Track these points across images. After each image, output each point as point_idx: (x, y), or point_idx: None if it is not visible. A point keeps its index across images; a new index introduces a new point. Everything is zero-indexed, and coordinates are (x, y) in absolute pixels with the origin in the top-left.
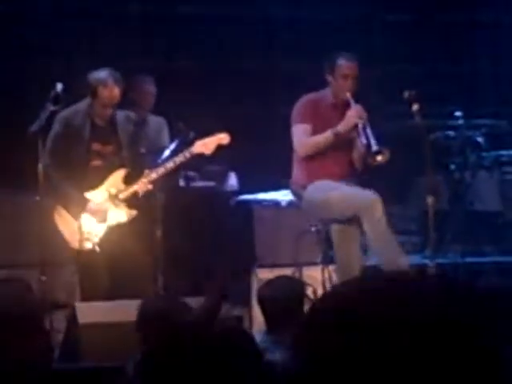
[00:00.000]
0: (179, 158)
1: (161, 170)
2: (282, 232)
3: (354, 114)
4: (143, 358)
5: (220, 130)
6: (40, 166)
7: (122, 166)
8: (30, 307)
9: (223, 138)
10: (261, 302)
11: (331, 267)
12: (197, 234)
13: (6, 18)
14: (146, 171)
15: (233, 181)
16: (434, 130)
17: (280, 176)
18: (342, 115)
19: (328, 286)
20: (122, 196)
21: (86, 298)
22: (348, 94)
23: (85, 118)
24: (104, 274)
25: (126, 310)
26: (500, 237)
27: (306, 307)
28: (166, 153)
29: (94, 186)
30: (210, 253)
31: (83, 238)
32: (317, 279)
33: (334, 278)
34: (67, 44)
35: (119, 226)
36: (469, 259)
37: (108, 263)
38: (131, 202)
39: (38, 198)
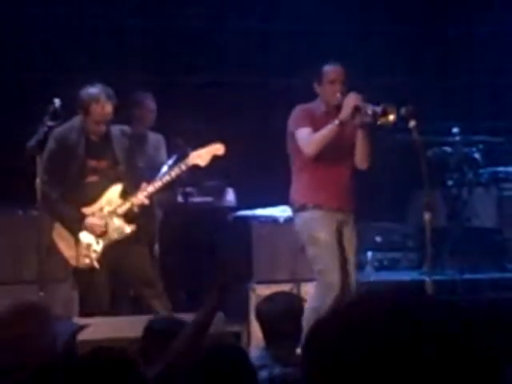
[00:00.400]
0: (175, 171)
1: (157, 184)
2: (279, 248)
3: (351, 98)
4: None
5: (214, 141)
6: (38, 181)
7: (118, 180)
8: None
9: (218, 148)
10: (259, 317)
11: None
12: (194, 250)
13: (5, 33)
14: (143, 185)
15: (230, 196)
16: (431, 146)
17: (278, 192)
18: None
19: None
20: (119, 211)
21: (85, 314)
22: (339, 95)
23: (79, 135)
24: (103, 290)
25: (125, 327)
26: (497, 253)
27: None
28: (164, 169)
29: (90, 201)
30: (207, 268)
31: (82, 254)
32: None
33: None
34: (67, 58)
35: (118, 242)
36: (466, 276)
37: (107, 279)
38: (129, 216)
39: (35, 213)
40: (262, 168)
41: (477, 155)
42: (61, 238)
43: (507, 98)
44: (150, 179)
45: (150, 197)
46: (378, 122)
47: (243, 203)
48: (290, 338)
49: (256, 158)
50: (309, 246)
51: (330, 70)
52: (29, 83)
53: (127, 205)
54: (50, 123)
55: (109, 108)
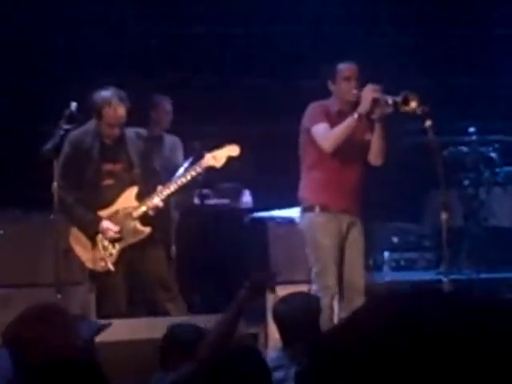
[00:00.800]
0: (190, 173)
1: (173, 186)
2: (296, 249)
3: (369, 90)
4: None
5: (229, 143)
6: (54, 185)
7: (133, 183)
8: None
9: (233, 149)
10: (276, 318)
11: None
12: (211, 252)
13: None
14: (159, 188)
15: (247, 198)
16: (447, 145)
17: (294, 193)
18: None
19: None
20: (135, 214)
21: (102, 316)
22: (355, 91)
23: (94, 139)
24: (120, 292)
25: (142, 328)
26: None
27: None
28: (180, 171)
29: (106, 204)
30: (224, 270)
31: (98, 257)
32: None
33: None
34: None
35: (134, 245)
36: (483, 275)
37: (123, 282)
38: (145, 219)
39: (52, 216)
40: (278, 169)
41: (493, 154)
42: (77, 242)
43: None
44: (165, 181)
45: (166, 199)
46: (401, 111)
47: (259, 205)
48: (307, 338)
49: (272, 160)
50: (310, 248)
51: (345, 67)
52: (42, 89)
53: (143, 208)
54: (66, 126)
55: (121, 111)
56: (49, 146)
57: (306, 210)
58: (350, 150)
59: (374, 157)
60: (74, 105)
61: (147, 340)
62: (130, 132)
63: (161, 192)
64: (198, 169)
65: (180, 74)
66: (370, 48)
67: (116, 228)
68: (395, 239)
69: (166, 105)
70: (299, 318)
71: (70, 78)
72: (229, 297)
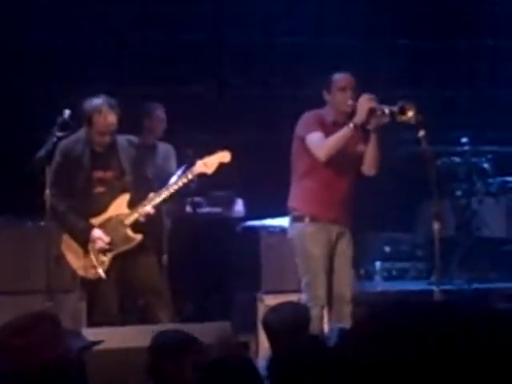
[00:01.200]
0: (182, 180)
1: (165, 193)
2: (288, 258)
3: (365, 100)
4: None
5: (220, 149)
6: (47, 192)
7: (125, 191)
8: None
9: (224, 156)
10: (266, 327)
11: None
12: (203, 260)
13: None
14: (151, 195)
15: (239, 207)
16: (440, 156)
17: (287, 202)
18: None
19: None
20: (126, 221)
21: (93, 324)
22: (350, 102)
23: (84, 146)
24: (111, 300)
25: (133, 336)
26: (506, 263)
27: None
28: (173, 179)
29: (98, 212)
30: (216, 279)
31: (89, 265)
32: None
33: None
34: (70, 70)
35: (125, 252)
36: (475, 285)
37: (115, 289)
38: (137, 226)
39: (43, 223)
40: (271, 178)
41: (486, 165)
42: (69, 249)
43: None
44: (158, 189)
45: (158, 207)
46: (398, 121)
47: (252, 213)
48: (297, 347)
49: (265, 169)
50: (300, 258)
51: (341, 77)
52: (36, 95)
53: (134, 215)
54: (59, 134)
55: (112, 118)
56: (41, 153)
57: (296, 219)
58: (343, 161)
59: (368, 167)
60: (67, 112)
61: (138, 348)
62: (122, 139)
63: (152, 199)
64: (190, 175)
65: (174, 82)
66: (365, 58)
67: (107, 239)
68: (387, 249)
69: (160, 113)
70: (289, 328)
71: (63, 85)
72: (220, 305)
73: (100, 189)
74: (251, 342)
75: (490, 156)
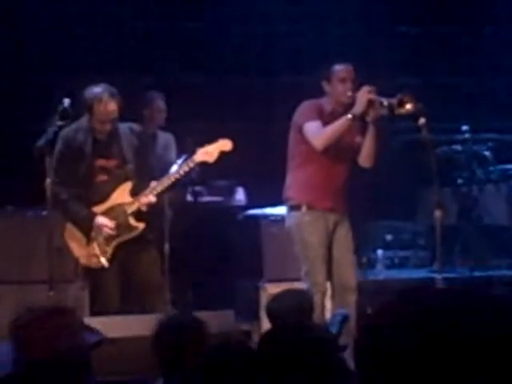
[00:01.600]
0: (183, 169)
1: (167, 182)
2: (289, 246)
3: (364, 92)
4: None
5: (223, 135)
6: (48, 181)
7: (127, 179)
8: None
9: (225, 144)
10: (269, 316)
11: None
12: (204, 249)
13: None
14: (153, 183)
15: (240, 196)
16: (441, 144)
17: (283, 191)
18: None
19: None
20: (129, 210)
21: (95, 313)
22: (350, 93)
23: (86, 135)
24: (114, 289)
25: (135, 325)
26: (508, 251)
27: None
28: (174, 168)
29: (101, 200)
30: (217, 268)
31: (92, 253)
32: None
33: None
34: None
35: (128, 241)
36: (477, 273)
37: (117, 278)
38: (139, 215)
39: (45, 213)
40: (272, 167)
41: (486, 153)
42: (72, 238)
43: None
44: (159, 178)
45: (159, 195)
46: (396, 113)
47: (253, 202)
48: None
49: (266, 157)
50: (298, 247)
51: (341, 68)
52: (38, 85)
53: (137, 203)
54: (59, 123)
55: (112, 106)
56: (42, 142)
57: (293, 209)
58: (339, 151)
59: (364, 158)
60: (66, 101)
61: (140, 337)
62: (124, 127)
63: (154, 188)
64: (191, 164)
65: (174, 71)
66: (365, 47)
67: (111, 224)
68: (389, 237)
69: (160, 102)
70: (293, 315)
71: (62, 74)
72: (222, 294)
73: (102, 177)
74: (253, 331)
75: (490, 144)
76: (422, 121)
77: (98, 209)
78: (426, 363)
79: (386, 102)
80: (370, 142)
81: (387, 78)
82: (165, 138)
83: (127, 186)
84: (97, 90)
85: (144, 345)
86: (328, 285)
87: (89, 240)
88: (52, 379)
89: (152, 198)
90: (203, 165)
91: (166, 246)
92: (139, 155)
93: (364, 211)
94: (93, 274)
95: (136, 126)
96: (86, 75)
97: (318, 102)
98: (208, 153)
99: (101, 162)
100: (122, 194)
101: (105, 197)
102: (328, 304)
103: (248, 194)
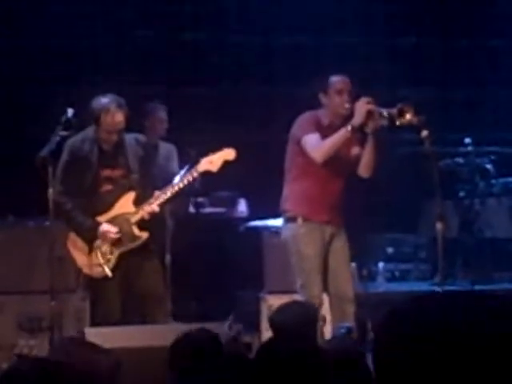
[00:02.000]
0: (187, 178)
1: (170, 191)
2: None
3: (363, 103)
4: None
5: (225, 146)
6: (50, 191)
7: (131, 189)
8: None
9: (229, 153)
10: (273, 327)
11: None
12: (206, 260)
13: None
14: (156, 193)
15: (242, 207)
16: (443, 156)
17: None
18: None
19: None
20: (132, 219)
21: (96, 323)
22: (347, 105)
23: (92, 145)
24: (115, 299)
25: (136, 336)
26: (510, 264)
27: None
28: (176, 179)
29: (104, 210)
30: (218, 279)
31: (95, 263)
32: (325, 305)
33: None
34: (72, 70)
35: (131, 251)
36: (478, 286)
37: (119, 289)
38: (142, 224)
39: (47, 223)
40: (274, 178)
41: (489, 166)
42: (75, 247)
43: None
44: (161, 188)
45: (162, 205)
46: (397, 123)
47: (255, 214)
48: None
49: (268, 169)
50: (294, 258)
51: (337, 80)
52: (40, 94)
53: (140, 213)
54: (62, 133)
55: (119, 117)
56: (45, 151)
57: (289, 221)
58: (336, 164)
59: (364, 169)
60: (70, 111)
61: (139, 348)
62: (130, 138)
63: (158, 197)
64: (195, 173)
65: (175, 82)
66: (365, 59)
67: (115, 229)
68: (390, 250)
69: (161, 113)
70: (296, 327)
71: (64, 85)
72: (223, 305)
73: (107, 187)
74: (254, 343)
75: (492, 157)
76: (424, 133)
77: (101, 218)
78: (446, 371)
79: (385, 113)
80: (370, 153)
81: (387, 90)
82: (166, 149)
83: (131, 195)
84: (104, 100)
85: (145, 355)
86: (326, 297)
87: (92, 249)
88: None
89: (155, 208)
90: (207, 174)
91: (168, 257)
92: (143, 165)
93: (365, 223)
94: (95, 284)
95: (141, 137)
96: (87, 85)
97: (316, 114)
98: (211, 162)
99: (106, 172)
100: (125, 204)
101: (109, 206)
102: (328, 316)
103: (250, 205)
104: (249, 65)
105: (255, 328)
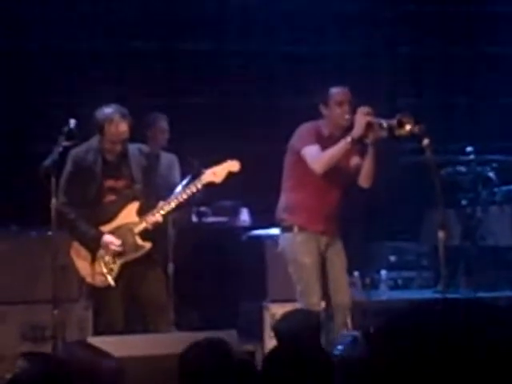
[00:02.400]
0: (190, 189)
1: (174, 202)
2: None
3: (362, 114)
4: None
5: (227, 155)
6: (53, 201)
7: (135, 199)
8: None
9: (233, 165)
10: (277, 335)
11: None
12: (208, 269)
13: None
14: (160, 203)
15: (245, 216)
16: (445, 165)
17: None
18: None
19: None
20: (136, 230)
21: (99, 332)
22: (347, 117)
23: (96, 155)
24: (118, 308)
25: (139, 344)
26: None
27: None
28: (178, 189)
29: (108, 220)
30: (221, 288)
31: (98, 272)
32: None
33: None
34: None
35: (134, 261)
36: (480, 294)
37: (122, 298)
38: (145, 234)
39: (50, 233)
40: (276, 187)
41: (491, 174)
42: (78, 255)
43: None
44: (164, 199)
45: (166, 215)
46: (396, 134)
47: (257, 223)
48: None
49: (270, 178)
50: (292, 267)
51: (337, 91)
52: (39, 107)
53: (144, 223)
54: (64, 143)
55: (123, 127)
56: (47, 162)
57: (285, 230)
58: (334, 175)
59: (363, 179)
60: (72, 122)
61: (142, 357)
62: (133, 148)
63: (162, 208)
64: (199, 185)
65: (176, 92)
66: (367, 66)
67: (118, 241)
68: (393, 258)
69: (163, 123)
70: (300, 335)
71: (65, 96)
72: (226, 314)
73: (111, 197)
74: (257, 351)
75: (494, 165)
76: (425, 142)
77: (105, 228)
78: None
79: (385, 124)
80: (370, 164)
81: (388, 99)
82: (168, 159)
83: (134, 205)
84: (108, 110)
85: (148, 364)
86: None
87: (95, 258)
88: None
89: (159, 218)
90: (210, 185)
91: (171, 266)
92: (147, 176)
93: (368, 232)
94: (98, 294)
95: (144, 147)
96: (89, 96)
97: (317, 124)
98: (215, 173)
99: (110, 183)
100: (129, 214)
101: (112, 217)
102: (330, 324)
103: (252, 214)
104: (250, 75)
105: (258, 337)
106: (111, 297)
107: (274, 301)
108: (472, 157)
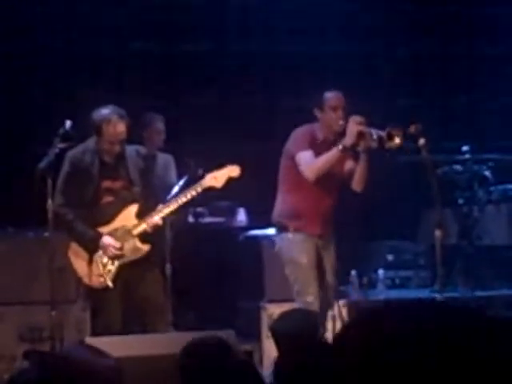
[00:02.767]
0: (191, 193)
1: (173, 205)
2: None
3: (354, 123)
4: None
5: (230, 163)
6: (49, 203)
7: (133, 201)
8: None
9: (233, 170)
10: (274, 335)
11: (341, 301)
12: (206, 270)
13: (10, 54)
14: (159, 206)
15: (242, 216)
16: (442, 164)
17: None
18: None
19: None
20: (134, 232)
21: (97, 333)
22: (341, 122)
23: (93, 156)
24: (116, 309)
25: (137, 345)
26: (508, 270)
27: None
28: (175, 189)
29: (106, 222)
30: (218, 288)
31: (96, 273)
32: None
33: (344, 312)
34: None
35: (133, 262)
36: (478, 293)
37: (120, 299)
38: (144, 237)
39: (47, 234)
40: (273, 188)
41: (487, 173)
42: (76, 257)
43: None
44: (162, 200)
45: (165, 218)
46: (386, 147)
47: (254, 223)
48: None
49: (267, 178)
50: (288, 267)
51: (332, 96)
52: (39, 107)
53: (142, 225)
54: (60, 145)
55: (121, 127)
56: (43, 164)
57: (281, 230)
58: (328, 180)
59: (356, 184)
60: (68, 123)
61: (140, 357)
62: (131, 149)
63: (161, 210)
64: (199, 189)
65: (175, 93)
66: (367, 67)
67: (118, 244)
68: (390, 257)
69: (158, 124)
70: (298, 334)
71: (63, 98)
72: (224, 314)
73: (108, 198)
74: (255, 351)
75: (491, 164)
76: (421, 141)
77: (103, 230)
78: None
79: (375, 136)
80: (362, 169)
81: (387, 100)
82: (164, 159)
83: (133, 208)
84: (105, 111)
85: (146, 364)
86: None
87: (92, 260)
88: None
89: (159, 221)
90: (211, 190)
91: (168, 267)
92: (144, 177)
93: (365, 231)
94: (95, 295)
95: (142, 149)
96: (86, 97)
97: (312, 128)
98: (216, 178)
99: (107, 184)
100: (127, 216)
101: (110, 218)
102: (329, 325)
103: (249, 214)
104: (249, 76)
105: (255, 337)
106: (109, 298)
107: (272, 301)
108: (468, 156)
